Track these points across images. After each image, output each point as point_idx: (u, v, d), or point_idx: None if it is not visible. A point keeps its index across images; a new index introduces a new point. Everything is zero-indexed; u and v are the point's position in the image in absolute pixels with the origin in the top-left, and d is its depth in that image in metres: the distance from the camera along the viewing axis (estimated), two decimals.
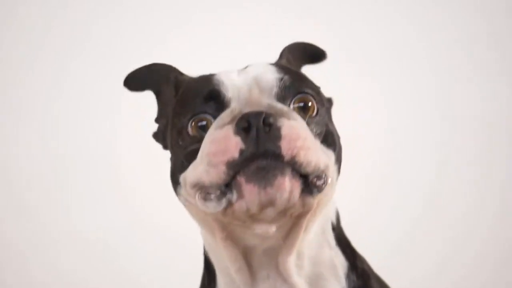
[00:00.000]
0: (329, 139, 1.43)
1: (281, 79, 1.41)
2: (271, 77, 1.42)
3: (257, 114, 1.31)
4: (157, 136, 1.63)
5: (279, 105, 1.37)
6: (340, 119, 1.59)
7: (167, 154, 1.54)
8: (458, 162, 2.91)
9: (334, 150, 1.43)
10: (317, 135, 1.40)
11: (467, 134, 2.92)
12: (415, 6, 2.93)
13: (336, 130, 1.49)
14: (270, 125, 1.30)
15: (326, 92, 1.56)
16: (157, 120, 1.65)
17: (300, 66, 1.65)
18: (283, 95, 1.40)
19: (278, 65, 1.50)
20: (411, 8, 2.93)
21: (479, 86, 2.93)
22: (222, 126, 1.34)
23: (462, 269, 2.87)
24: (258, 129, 1.29)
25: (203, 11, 2.92)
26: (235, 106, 1.38)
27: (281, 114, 1.33)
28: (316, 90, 1.49)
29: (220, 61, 2.86)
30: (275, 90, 1.40)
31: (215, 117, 1.38)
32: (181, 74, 1.62)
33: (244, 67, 1.50)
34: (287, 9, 2.90)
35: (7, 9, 2.93)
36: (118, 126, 2.83)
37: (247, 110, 1.34)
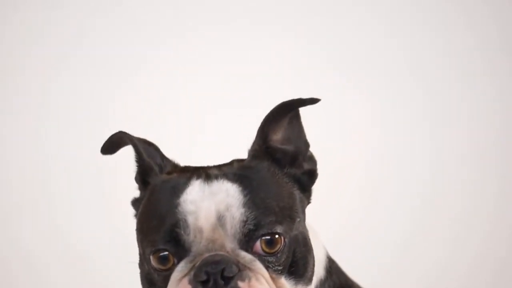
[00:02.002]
0: (298, 266, 1.43)
1: (246, 221, 1.38)
2: (236, 218, 1.38)
3: (216, 264, 1.34)
4: (135, 204, 1.61)
5: (242, 254, 1.37)
6: (338, 121, 1.58)
7: None
8: (454, 163, 2.91)
9: (301, 275, 1.43)
10: (282, 269, 1.40)
11: (464, 135, 2.92)
12: (411, 7, 2.94)
13: (304, 240, 1.46)
14: (229, 279, 1.33)
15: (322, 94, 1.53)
16: (136, 180, 1.63)
17: (282, 125, 1.55)
18: (249, 238, 1.38)
19: (246, 191, 1.42)
20: (405, 9, 2.93)
21: (474, 86, 2.92)
22: (181, 278, 1.36)
23: (462, 270, 2.87)
24: (216, 282, 1.33)
25: (203, 15, 2.92)
26: (196, 252, 1.37)
27: (243, 265, 1.36)
28: (285, 210, 1.44)
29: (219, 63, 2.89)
30: (238, 236, 1.38)
31: (175, 255, 1.39)
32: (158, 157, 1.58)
33: (214, 176, 1.44)
34: (283, 17, 2.90)
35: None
36: (108, 130, 2.83)
37: (207, 254, 1.36)
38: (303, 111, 1.56)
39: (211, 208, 1.39)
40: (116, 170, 2.19)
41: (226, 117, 2.87)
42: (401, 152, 2.90)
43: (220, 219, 1.37)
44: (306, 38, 2.86)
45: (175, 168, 1.56)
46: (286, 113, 1.52)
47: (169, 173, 1.53)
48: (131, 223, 1.60)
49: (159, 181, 1.51)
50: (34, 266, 2.85)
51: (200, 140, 2.87)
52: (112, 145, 1.58)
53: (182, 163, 1.61)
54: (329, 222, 1.66)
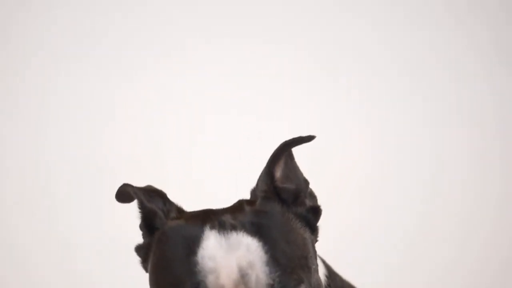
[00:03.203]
0: None
1: (272, 285, 1.33)
2: (262, 280, 1.33)
3: None
4: (139, 251, 1.57)
5: None
6: (338, 121, 1.57)
7: (155, 160, 1.52)
8: (454, 163, 2.91)
9: None
10: None
11: (464, 135, 2.92)
12: (410, 7, 2.93)
13: (319, 286, 1.45)
14: None
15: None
16: (141, 228, 1.59)
17: (280, 164, 1.54)
18: None
19: (267, 246, 1.37)
20: (405, 10, 2.93)
21: (474, 86, 2.92)
22: None
23: (465, 270, 2.87)
24: None
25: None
26: None
27: None
28: (302, 260, 1.41)
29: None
30: None
31: None
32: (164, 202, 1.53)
33: (231, 228, 1.39)
34: (283, 17, 2.89)
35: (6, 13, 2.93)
36: (108, 130, 2.83)
37: None
38: (304, 108, 1.56)
39: (233, 264, 1.34)
40: (116, 170, 2.20)
41: (226, 117, 2.87)
42: (401, 153, 2.90)
43: (244, 277, 1.33)
44: (306, 38, 2.85)
45: (180, 212, 1.52)
46: (285, 152, 1.51)
47: (175, 218, 1.49)
48: (131, 223, 1.59)
49: (168, 228, 1.47)
50: (34, 266, 2.85)
51: (200, 140, 2.87)
52: (122, 198, 1.57)
53: (182, 163, 1.61)
54: (329, 223, 1.65)
